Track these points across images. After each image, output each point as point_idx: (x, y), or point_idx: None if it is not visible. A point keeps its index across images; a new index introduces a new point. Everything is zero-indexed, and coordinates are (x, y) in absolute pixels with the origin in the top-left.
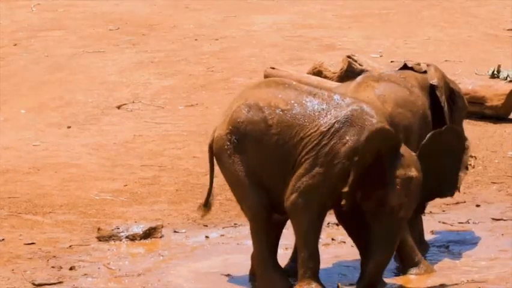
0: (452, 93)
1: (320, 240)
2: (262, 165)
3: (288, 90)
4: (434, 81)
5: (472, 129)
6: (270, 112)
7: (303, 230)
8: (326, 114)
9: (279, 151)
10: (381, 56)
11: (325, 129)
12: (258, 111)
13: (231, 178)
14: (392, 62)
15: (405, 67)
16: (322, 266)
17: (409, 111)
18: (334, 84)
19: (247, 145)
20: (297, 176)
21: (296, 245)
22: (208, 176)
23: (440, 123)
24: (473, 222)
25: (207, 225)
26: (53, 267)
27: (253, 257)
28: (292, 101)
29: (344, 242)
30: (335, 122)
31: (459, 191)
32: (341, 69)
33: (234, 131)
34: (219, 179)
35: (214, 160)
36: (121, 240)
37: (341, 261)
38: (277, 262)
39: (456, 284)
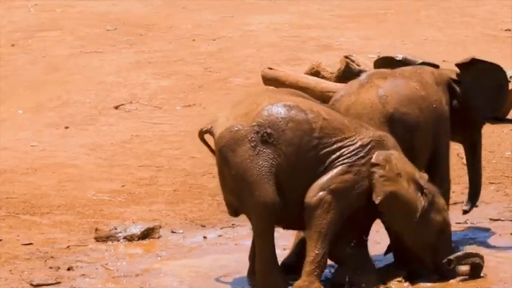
0: None
1: None
2: (291, 164)
3: (315, 103)
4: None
5: None
6: (314, 116)
7: (323, 227)
8: (361, 131)
9: (315, 155)
10: (378, 56)
11: (364, 143)
12: (300, 112)
13: (247, 170)
14: None
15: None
16: None
17: (416, 108)
18: (331, 84)
19: (282, 140)
20: (329, 177)
21: (309, 242)
22: (205, 177)
23: (464, 119)
24: (471, 223)
25: (204, 226)
26: (51, 267)
27: (250, 257)
28: (330, 113)
29: None
30: (371, 140)
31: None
32: (339, 69)
33: (266, 124)
34: (217, 179)
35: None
36: (118, 241)
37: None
38: (278, 264)
39: (454, 284)
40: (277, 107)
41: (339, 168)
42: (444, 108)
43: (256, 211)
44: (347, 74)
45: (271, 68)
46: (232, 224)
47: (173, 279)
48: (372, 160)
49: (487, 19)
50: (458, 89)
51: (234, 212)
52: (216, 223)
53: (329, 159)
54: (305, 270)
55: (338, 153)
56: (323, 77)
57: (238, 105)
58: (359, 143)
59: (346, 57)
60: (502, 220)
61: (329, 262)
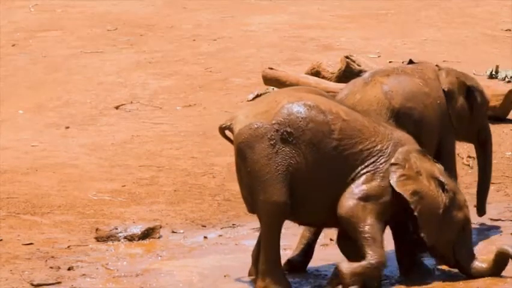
0: (469, 91)
1: (318, 240)
2: (310, 164)
3: (335, 102)
4: (445, 87)
5: None
6: (333, 118)
7: (367, 233)
8: (380, 131)
9: (335, 156)
10: (379, 57)
11: (383, 147)
12: (320, 113)
13: (264, 168)
14: (390, 62)
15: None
16: (320, 266)
17: (421, 103)
18: (331, 84)
19: (302, 140)
20: (356, 187)
21: (362, 250)
22: (206, 177)
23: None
24: (471, 223)
25: (205, 226)
26: (51, 267)
27: (253, 256)
28: (350, 113)
29: None
30: (390, 143)
31: None
32: (339, 69)
33: (286, 123)
34: (217, 179)
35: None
36: (119, 241)
37: (339, 261)
38: (281, 265)
39: (455, 284)
40: (298, 106)
41: (364, 176)
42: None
43: (266, 209)
44: (348, 74)
45: (271, 68)
46: (233, 224)
47: (173, 279)
48: (392, 160)
49: (487, 19)
50: (449, 98)
51: (253, 208)
52: (216, 223)
53: (349, 161)
54: (363, 265)
55: (358, 156)
56: (323, 77)
57: (258, 103)
58: (379, 146)
59: (346, 57)
60: (503, 220)
61: (330, 261)
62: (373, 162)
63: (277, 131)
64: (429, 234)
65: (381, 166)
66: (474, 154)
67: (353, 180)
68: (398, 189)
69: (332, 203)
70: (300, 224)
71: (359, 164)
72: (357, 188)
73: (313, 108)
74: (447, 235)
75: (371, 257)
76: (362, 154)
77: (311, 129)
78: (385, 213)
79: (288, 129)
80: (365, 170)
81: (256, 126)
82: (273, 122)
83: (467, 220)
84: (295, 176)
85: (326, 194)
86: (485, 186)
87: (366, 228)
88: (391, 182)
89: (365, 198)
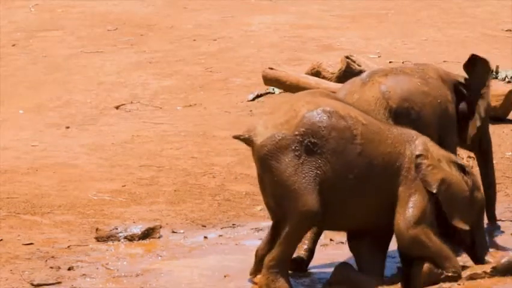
0: None
1: (319, 240)
2: (336, 172)
3: (351, 106)
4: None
5: None
6: (354, 123)
7: (439, 252)
8: (393, 134)
9: (360, 162)
10: (379, 57)
11: (401, 150)
12: (340, 119)
13: (292, 178)
14: (390, 62)
15: None
16: (321, 266)
17: (419, 103)
18: (331, 84)
19: (326, 149)
20: (403, 208)
21: (439, 265)
22: (206, 177)
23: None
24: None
25: (205, 226)
26: (51, 267)
27: (257, 255)
28: (366, 117)
29: (342, 243)
30: (406, 146)
31: None
32: (339, 69)
33: (309, 133)
34: (217, 179)
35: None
36: (119, 241)
37: (339, 261)
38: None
39: (454, 284)
40: (318, 115)
41: (401, 193)
42: (449, 104)
43: (299, 217)
44: (348, 74)
45: (272, 68)
46: (233, 224)
47: (173, 279)
48: (416, 153)
49: (488, 19)
50: (465, 92)
51: (277, 216)
52: (216, 223)
53: (373, 165)
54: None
55: (380, 159)
56: (324, 77)
57: (275, 112)
58: (398, 149)
59: (347, 57)
60: (503, 220)
61: (330, 261)
62: (397, 168)
63: (301, 142)
64: (463, 219)
65: (408, 174)
66: (473, 154)
67: (381, 189)
68: (426, 180)
69: (358, 209)
70: (323, 229)
71: (383, 169)
72: (405, 211)
73: (334, 115)
74: (471, 217)
75: (449, 270)
76: (384, 158)
77: (334, 137)
78: (434, 218)
79: (312, 140)
80: (395, 185)
81: (278, 137)
82: (296, 132)
83: (484, 200)
84: (322, 184)
85: (352, 200)
86: (492, 193)
87: (435, 249)
88: (419, 174)
89: (419, 220)
